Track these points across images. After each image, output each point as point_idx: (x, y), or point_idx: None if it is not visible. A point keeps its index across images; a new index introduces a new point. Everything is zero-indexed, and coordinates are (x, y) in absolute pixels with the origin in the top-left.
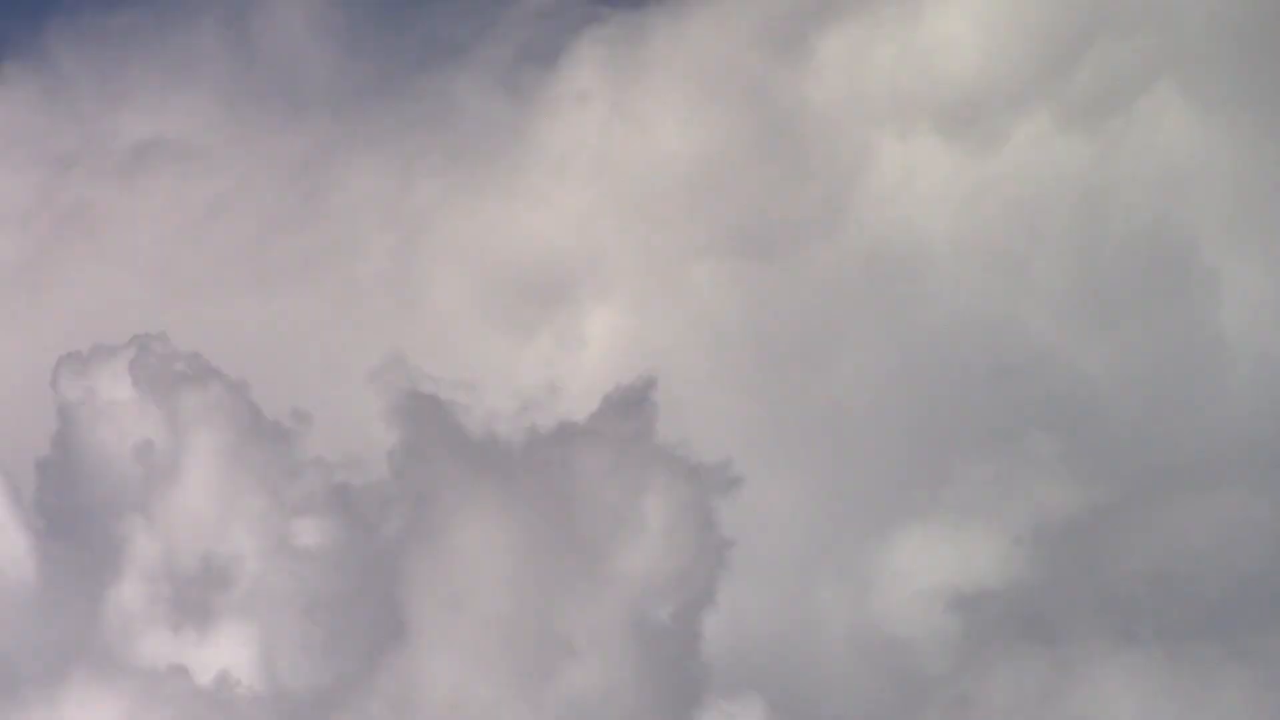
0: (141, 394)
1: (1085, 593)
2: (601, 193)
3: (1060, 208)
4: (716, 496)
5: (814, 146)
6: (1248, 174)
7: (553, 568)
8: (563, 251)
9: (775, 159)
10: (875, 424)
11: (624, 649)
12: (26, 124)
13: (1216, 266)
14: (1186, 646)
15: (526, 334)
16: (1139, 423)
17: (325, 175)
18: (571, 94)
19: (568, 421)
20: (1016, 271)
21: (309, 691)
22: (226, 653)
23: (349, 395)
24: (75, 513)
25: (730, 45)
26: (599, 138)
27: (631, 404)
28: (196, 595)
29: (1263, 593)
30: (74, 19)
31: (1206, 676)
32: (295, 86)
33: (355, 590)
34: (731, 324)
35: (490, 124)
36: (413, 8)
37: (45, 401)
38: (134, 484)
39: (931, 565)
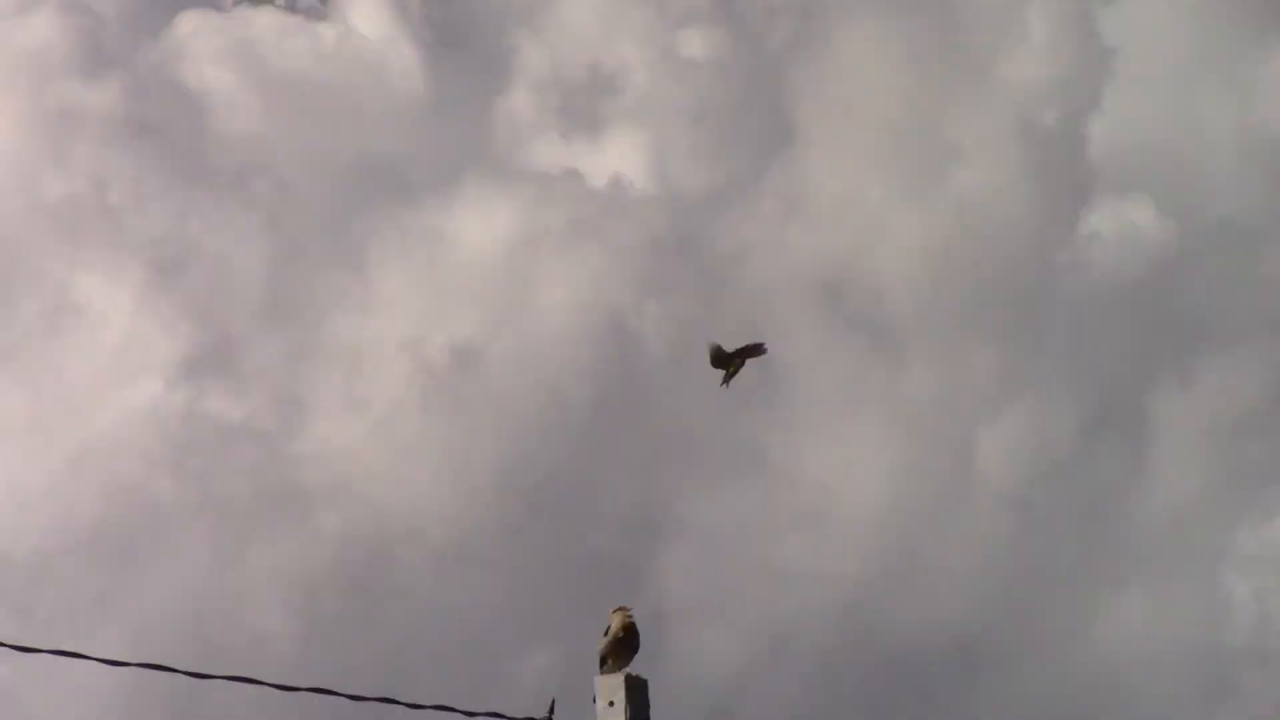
0: None
1: None
2: None
3: None
4: (1098, 6)
5: None
6: None
7: (938, 76)
8: None
9: None
10: None
11: (1010, 152)
12: None
13: None
14: None
15: None
16: None
17: None
18: None
19: None
20: None
21: (699, 192)
22: (617, 158)
23: None
24: (462, 26)
25: None
26: None
27: None
28: (585, 104)
29: None
30: None
31: None
32: None
33: (742, 99)
34: None
35: None
36: None
37: None
38: None
39: None
